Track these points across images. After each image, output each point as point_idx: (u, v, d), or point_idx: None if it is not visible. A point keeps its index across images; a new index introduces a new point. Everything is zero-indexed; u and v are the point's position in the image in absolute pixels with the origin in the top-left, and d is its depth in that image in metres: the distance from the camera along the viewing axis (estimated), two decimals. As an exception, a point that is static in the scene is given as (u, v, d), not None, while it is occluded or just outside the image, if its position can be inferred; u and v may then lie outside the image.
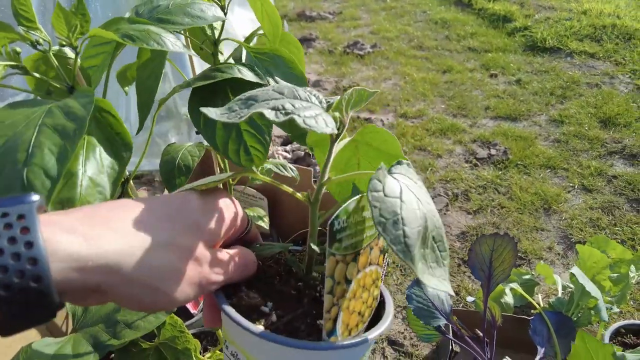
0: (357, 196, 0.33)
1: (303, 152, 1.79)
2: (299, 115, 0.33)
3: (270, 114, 0.32)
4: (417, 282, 0.80)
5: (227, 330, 0.37)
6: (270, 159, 0.96)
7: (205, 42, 0.68)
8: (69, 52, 0.55)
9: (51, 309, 0.25)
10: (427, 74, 2.59)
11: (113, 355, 0.76)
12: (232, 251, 0.35)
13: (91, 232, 0.27)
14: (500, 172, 1.69)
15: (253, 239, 0.42)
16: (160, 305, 0.30)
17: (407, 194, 0.31)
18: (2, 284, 0.23)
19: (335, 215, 0.31)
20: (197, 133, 0.76)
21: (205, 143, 0.80)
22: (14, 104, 0.40)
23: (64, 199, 0.41)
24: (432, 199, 1.49)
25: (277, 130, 1.99)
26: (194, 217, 0.32)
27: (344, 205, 0.32)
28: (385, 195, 0.30)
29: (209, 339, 0.83)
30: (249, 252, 0.37)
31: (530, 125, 2.04)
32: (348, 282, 0.33)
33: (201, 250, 0.32)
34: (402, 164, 0.33)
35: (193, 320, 0.89)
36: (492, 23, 3.37)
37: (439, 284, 0.30)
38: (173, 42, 0.51)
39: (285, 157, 1.77)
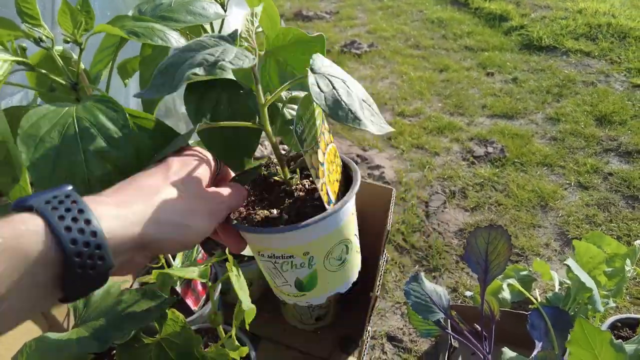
0: (301, 100, 0.43)
1: (301, 151, 1.80)
2: (224, 61, 0.39)
3: (199, 71, 0.38)
4: (415, 278, 0.80)
5: (256, 243, 0.48)
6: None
7: (206, 39, 0.69)
8: (72, 53, 0.56)
9: (107, 272, 0.32)
10: (424, 73, 2.60)
11: (115, 351, 0.77)
12: (222, 187, 0.45)
13: (124, 200, 0.35)
14: (497, 170, 1.70)
15: (227, 174, 0.51)
16: (190, 239, 0.40)
17: (337, 83, 0.42)
18: (75, 252, 0.30)
19: (295, 123, 0.41)
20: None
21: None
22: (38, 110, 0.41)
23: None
24: (430, 196, 1.50)
25: (275, 129, 1.99)
26: (185, 171, 0.42)
27: (297, 113, 0.42)
28: (323, 92, 0.41)
29: (209, 335, 0.83)
30: (235, 184, 0.47)
31: (526, 124, 2.05)
32: (321, 164, 0.45)
33: (202, 192, 0.42)
34: (317, 59, 0.43)
35: (194, 316, 0.89)
36: (489, 22, 3.38)
37: (381, 128, 0.42)
38: (177, 39, 0.52)
39: (283, 156, 1.78)
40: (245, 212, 0.49)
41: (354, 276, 0.54)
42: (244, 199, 0.47)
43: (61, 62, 0.49)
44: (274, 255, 0.48)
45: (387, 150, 1.85)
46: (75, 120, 0.42)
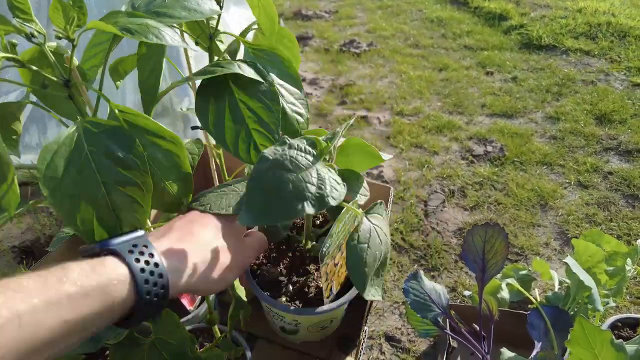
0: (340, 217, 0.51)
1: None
2: (328, 197, 0.45)
3: (309, 209, 0.43)
4: (414, 276, 0.80)
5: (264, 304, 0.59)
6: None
7: (201, 36, 0.68)
8: (67, 50, 0.55)
9: (163, 307, 0.41)
10: (423, 72, 2.59)
11: (108, 352, 0.76)
12: (251, 238, 0.54)
13: (183, 254, 0.44)
14: (496, 169, 1.69)
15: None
16: (221, 288, 0.49)
17: (374, 237, 0.49)
18: (147, 290, 0.39)
19: (325, 241, 0.50)
20: (193, 129, 0.75)
21: (203, 140, 0.80)
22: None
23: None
24: (429, 195, 1.50)
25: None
26: (230, 226, 0.51)
27: (332, 230, 0.51)
28: (358, 243, 0.48)
29: (205, 335, 0.82)
30: (261, 235, 0.56)
31: (526, 122, 2.04)
32: (335, 265, 0.52)
33: (241, 246, 0.51)
34: (377, 205, 0.53)
35: (189, 316, 0.89)
36: (488, 21, 3.38)
37: (375, 294, 0.51)
38: (172, 36, 0.51)
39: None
40: (257, 263, 0.61)
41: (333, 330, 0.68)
42: (264, 250, 0.56)
43: (53, 58, 0.48)
44: (270, 307, 0.57)
45: (385, 150, 1.84)
46: (89, 155, 0.43)
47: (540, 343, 0.86)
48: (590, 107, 2.10)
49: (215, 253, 0.47)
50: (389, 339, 1.05)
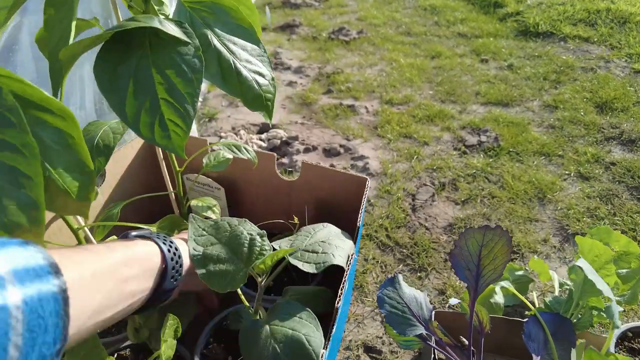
0: None
1: (279, 141, 1.66)
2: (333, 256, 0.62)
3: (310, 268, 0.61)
4: (391, 282, 0.67)
5: None
6: (222, 140, 0.84)
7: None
8: None
9: (177, 287, 0.54)
10: (414, 60, 2.47)
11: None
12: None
13: (184, 241, 0.59)
14: (491, 160, 1.57)
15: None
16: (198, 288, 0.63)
17: None
18: (172, 265, 0.51)
19: None
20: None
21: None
22: None
23: None
24: (418, 188, 1.37)
25: (252, 118, 1.86)
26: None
27: None
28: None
29: (148, 351, 0.70)
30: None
31: (522, 111, 1.92)
32: None
33: None
34: None
35: (121, 335, 0.76)
36: (483, 9, 3.25)
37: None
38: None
39: (260, 146, 1.64)
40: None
41: None
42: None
43: None
44: None
45: (372, 140, 1.72)
46: None
47: (539, 357, 0.74)
48: (590, 94, 1.98)
49: None
50: (368, 349, 0.93)
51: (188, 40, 0.45)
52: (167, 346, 0.60)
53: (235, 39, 0.52)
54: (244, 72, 0.51)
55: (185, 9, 0.53)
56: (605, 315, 0.69)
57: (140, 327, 0.60)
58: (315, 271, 0.60)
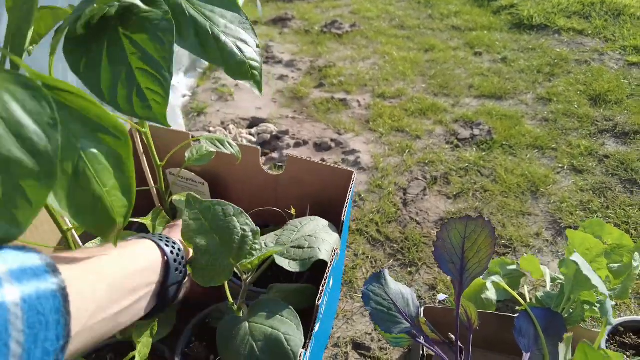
0: None
1: (269, 135, 1.64)
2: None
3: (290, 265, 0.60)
4: (377, 277, 0.66)
5: None
6: (205, 134, 0.81)
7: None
8: None
9: (181, 289, 0.55)
10: (408, 53, 2.44)
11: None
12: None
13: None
14: (483, 154, 1.55)
15: None
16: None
17: None
18: (175, 267, 0.52)
19: None
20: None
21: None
22: None
23: None
24: (409, 183, 1.35)
25: (242, 112, 1.83)
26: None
27: None
28: None
29: (128, 351, 0.68)
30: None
31: (516, 104, 1.90)
32: None
33: None
34: None
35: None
36: (477, 2, 3.22)
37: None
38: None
39: (249, 141, 1.62)
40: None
41: None
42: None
43: None
44: None
45: (364, 134, 1.70)
46: None
47: (529, 353, 0.73)
48: (584, 87, 1.97)
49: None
50: (357, 346, 0.91)
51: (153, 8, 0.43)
52: (143, 345, 0.58)
53: (212, 7, 0.50)
54: (223, 37, 0.48)
55: None
56: (597, 310, 0.68)
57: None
58: (301, 269, 0.58)
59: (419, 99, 1.94)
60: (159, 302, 0.50)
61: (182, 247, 0.54)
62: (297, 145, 1.61)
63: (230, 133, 1.62)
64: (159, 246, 0.51)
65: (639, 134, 1.61)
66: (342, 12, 3.23)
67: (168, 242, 0.52)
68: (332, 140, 1.64)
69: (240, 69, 0.48)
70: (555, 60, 2.25)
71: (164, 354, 0.70)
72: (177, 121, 1.65)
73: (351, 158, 1.54)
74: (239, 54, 0.48)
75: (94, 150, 0.37)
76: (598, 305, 0.65)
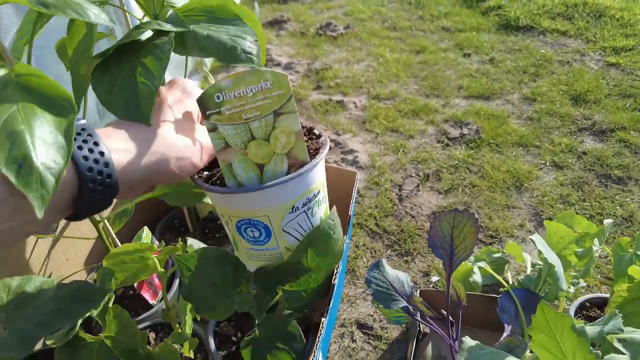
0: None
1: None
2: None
3: None
4: (376, 265, 0.77)
5: (218, 204, 0.54)
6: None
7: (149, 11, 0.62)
8: None
9: (112, 198, 0.39)
10: (400, 55, 2.56)
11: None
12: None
13: (131, 134, 0.42)
14: (472, 152, 1.68)
15: None
16: (186, 170, 0.46)
17: None
18: (90, 178, 0.36)
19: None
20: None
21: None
22: None
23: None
24: (404, 180, 1.47)
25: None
26: (180, 107, 0.50)
27: None
28: None
29: (165, 330, 0.79)
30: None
31: (503, 104, 2.03)
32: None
33: (194, 127, 0.49)
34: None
35: (153, 310, 0.85)
36: (466, 2, 3.34)
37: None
38: (96, 14, 0.46)
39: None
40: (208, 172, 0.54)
41: None
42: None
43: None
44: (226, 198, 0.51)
45: (361, 135, 1.81)
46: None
47: (510, 326, 0.85)
48: (566, 87, 2.10)
49: (166, 132, 0.45)
50: (361, 326, 1.03)
51: (175, 30, 0.51)
52: (185, 323, 0.69)
53: (216, 26, 0.53)
54: (215, 33, 0.51)
55: (178, 17, 0.58)
56: (553, 281, 0.80)
57: (169, 308, 0.69)
58: None
59: (412, 100, 2.06)
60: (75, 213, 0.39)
61: (108, 151, 0.38)
62: (298, 145, 1.72)
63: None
64: (73, 160, 0.36)
65: (615, 131, 1.74)
66: (335, 14, 3.33)
67: (92, 150, 0.37)
68: (331, 140, 1.75)
69: (230, 53, 0.48)
70: (540, 61, 2.37)
71: (197, 331, 0.82)
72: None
73: (350, 157, 1.65)
74: (230, 42, 0.49)
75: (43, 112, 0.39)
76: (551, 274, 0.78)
